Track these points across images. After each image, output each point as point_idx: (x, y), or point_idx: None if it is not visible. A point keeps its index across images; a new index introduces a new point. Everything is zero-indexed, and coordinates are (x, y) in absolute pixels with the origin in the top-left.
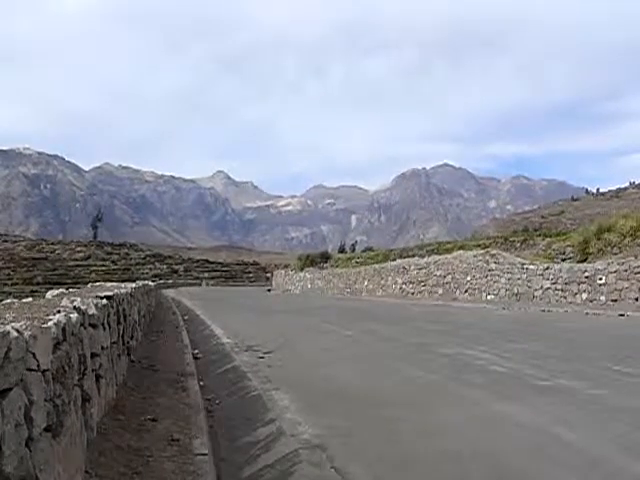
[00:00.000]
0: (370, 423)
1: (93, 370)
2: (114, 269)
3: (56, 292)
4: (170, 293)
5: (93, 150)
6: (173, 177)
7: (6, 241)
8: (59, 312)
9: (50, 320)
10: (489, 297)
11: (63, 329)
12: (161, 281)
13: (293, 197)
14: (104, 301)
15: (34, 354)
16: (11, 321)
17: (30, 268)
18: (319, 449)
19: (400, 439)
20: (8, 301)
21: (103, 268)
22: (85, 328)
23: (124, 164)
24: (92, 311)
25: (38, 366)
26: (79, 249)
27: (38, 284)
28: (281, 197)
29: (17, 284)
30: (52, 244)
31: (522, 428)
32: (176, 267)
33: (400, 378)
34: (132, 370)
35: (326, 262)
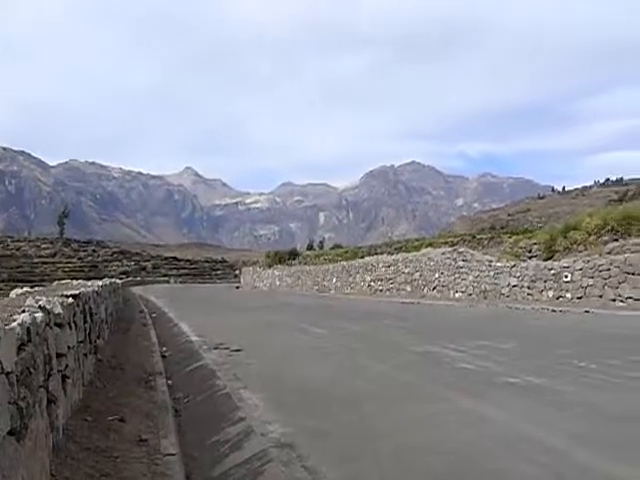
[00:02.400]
0: (341, 421)
1: (59, 371)
2: (81, 266)
3: (21, 291)
4: (138, 291)
5: (59, 146)
6: (141, 173)
7: None
8: (24, 312)
9: (14, 320)
10: (457, 294)
11: (28, 329)
12: (129, 278)
13: (262, 194)
14: (70, 300)
15: None
16: None
17: None
18: (289, 448)
19: (371, 437)
20: None
21: (70, 265)
22: (51, 328)
23: (91, 160)
24: (58, 310)
25: (2, 368)
26: (45, 246)
27: (3, 282)
28: (250, 194)
29: None
30: (18, 241)
31: (491, 425)
32: (144, 264)
33: (370, 376)
34: (99, 369)
35: (294, 259)
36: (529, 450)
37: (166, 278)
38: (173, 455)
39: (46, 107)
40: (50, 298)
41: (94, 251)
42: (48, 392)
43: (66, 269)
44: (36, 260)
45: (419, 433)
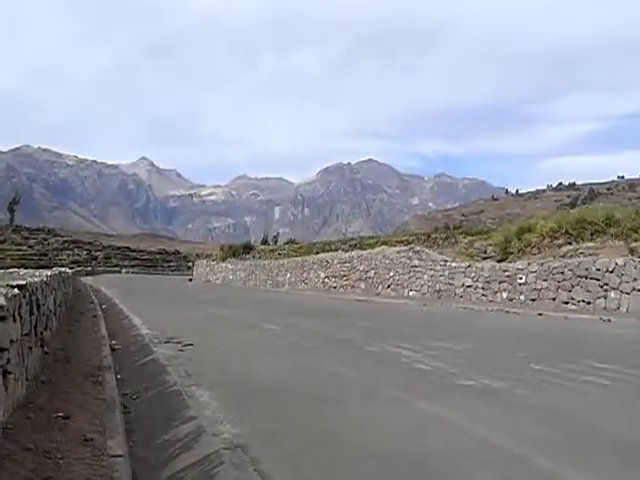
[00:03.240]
0: (294, 422)
1: (0, 366)
2: (31, 254)
3: None
4: (89, 281)
5: (11, 131)
6: (95, 162)
7: None
8: None
9: None
10: (411, 293)
11: None
12: (80, 268)
13: (217, 187)
14: (15, 291)
15: None
16: None
17: None
18: (241, 450)
19: (324, 439)
20: None
21: (19, 253)
22: None
23: (44, 147)
24: (1, 302)
25: None
26: None
27: None
28: (205, 186)
29: None
30: None
31: (445, 427)
32: (96, 254)
33: (324, 375)
34: (45, 363)
35: (249, 253)
36: (486, 454)
37: (118, 269)
38: (120, 457)
39: None
40: None
41: (44, 239)
42: None
43: (15, 257)
44: None
45: (374, 436)
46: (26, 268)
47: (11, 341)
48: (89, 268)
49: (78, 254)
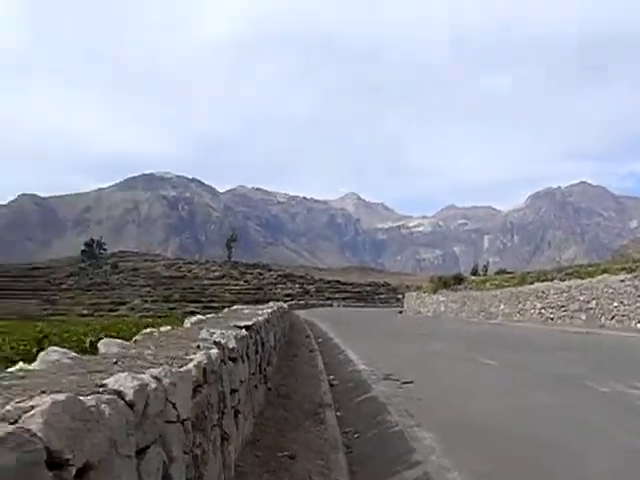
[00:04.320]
0: (527, 469)
1: (232, 407)
2: (247, 288)
3: (194, 319)
4: (302, 314)
5: (228, 173)
6: (305, 198)
7: (147, 260)
8: (198, 347)
9: (190, 360)
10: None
11: (204, 370)
12: (293, 301)
13: (424, 217)
14: (243, 331)
15: (174, 404)
16: (151, 364)
17: (169, 286)
18: None
19: None
20: (147, 331)
21: (237, 287)
22: (225, 364)
23: (257, 186)
24: (232, 344)
25: (177, 416)
26: (214, 268)
27: (176, 301)
28: (412, 217)
29: (157, 301)
30: (189, 263)
31: None
32: (308, 287)
33: (550, 417)
34: (268, 399)
35: (459, 284)
36: None
37: (329, 302)
38: None
39: (216, 138)
40: (224, 331)
41: (260, 274)
42: (222, 430)
43: (233, 291)
44: (206, 282)
45: None
46: (246, 303)
47: (240, 381)
48: (302, 302)
49: (291, 288)
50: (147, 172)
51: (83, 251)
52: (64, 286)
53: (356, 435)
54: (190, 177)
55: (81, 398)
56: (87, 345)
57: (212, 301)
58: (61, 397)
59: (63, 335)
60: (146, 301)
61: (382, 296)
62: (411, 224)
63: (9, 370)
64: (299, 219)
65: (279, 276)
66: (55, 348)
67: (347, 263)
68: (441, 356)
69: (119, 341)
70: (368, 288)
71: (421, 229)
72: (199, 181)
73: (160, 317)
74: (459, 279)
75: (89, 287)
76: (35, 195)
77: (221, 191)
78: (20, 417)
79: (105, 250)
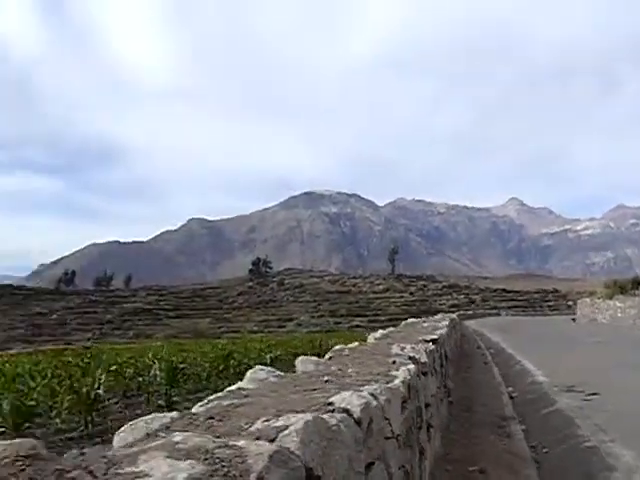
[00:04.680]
0: None
1: (426, 421)
2: (412, 300)
3: (377, 335)
4: (470, 324)
5: (387, 187)
6: (465, 207)
7: (312, 276)
8: (394, 363)
9: (395, 377)
10: None
11: (408, 385)
12: (459, 312)
13: (592, 220)
14: (431, 345)
15: (388, 420)
16: (358, 381)
17: (334, 301)
18: None
19: None
20: (338, 347)
21: (401, 300)
22: (420, 378)
23: (417, 198)
24: (424, 359)
25: (392, 432)
26: (378, 282)
27: (341, 316)
28: (579, 220)
29: (323, 316)
30: (353, 278)
31: None
32: (473, 297)
33: None
34: (451, 412)
35: (637, 288)
36: None
37: (495, 311)
38: None
39: (372, 154)
40: (414, 345)
41: (424, 286)
42: (419, 444)
43: (398, 304)
44: (370, 295)
45: None
46: (412, 315)
47: (432, 395)
48: (469, 312)
49: (456, 298)
50: (308, 190)
51: (250, 270)
52: (235, 304)
53: (545, 450)
54: (350, 193)
55: (323, 417)
56: (267, 361)
57: (377, 314)
58: (309, 417)
59: (243, 351)
60: (313, 316)
61: (551, 303)
62: (578, 227)
63: (229, 389)
64: (460, 228)
65: (444, 287)
66: (261, 367)
67: (512, 270)
68: (626, 367)
69: (314, 358)
70: (536, 295)
71: (589, 232)
72: (359, 196)
73: (327, 332)
74: (637, 282)
75: (258, 305)
76: (203, 219)
77: (381, 204)
78: (277, 436)
79: (271, 268)
